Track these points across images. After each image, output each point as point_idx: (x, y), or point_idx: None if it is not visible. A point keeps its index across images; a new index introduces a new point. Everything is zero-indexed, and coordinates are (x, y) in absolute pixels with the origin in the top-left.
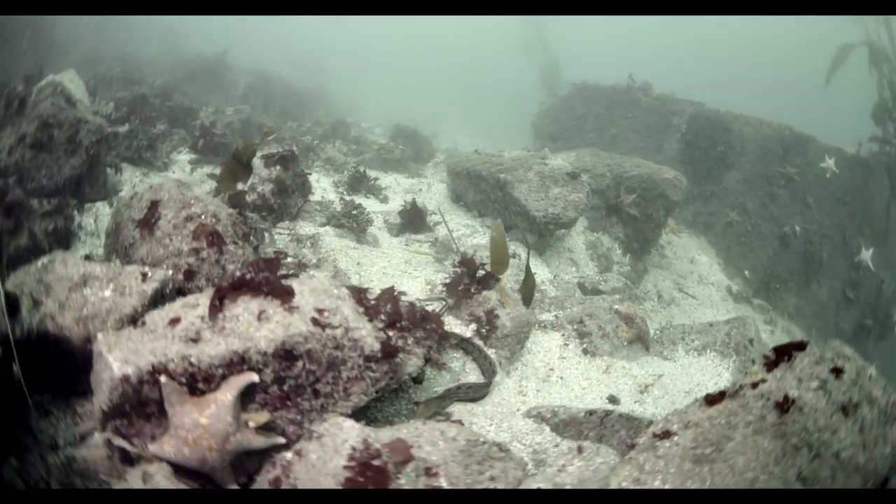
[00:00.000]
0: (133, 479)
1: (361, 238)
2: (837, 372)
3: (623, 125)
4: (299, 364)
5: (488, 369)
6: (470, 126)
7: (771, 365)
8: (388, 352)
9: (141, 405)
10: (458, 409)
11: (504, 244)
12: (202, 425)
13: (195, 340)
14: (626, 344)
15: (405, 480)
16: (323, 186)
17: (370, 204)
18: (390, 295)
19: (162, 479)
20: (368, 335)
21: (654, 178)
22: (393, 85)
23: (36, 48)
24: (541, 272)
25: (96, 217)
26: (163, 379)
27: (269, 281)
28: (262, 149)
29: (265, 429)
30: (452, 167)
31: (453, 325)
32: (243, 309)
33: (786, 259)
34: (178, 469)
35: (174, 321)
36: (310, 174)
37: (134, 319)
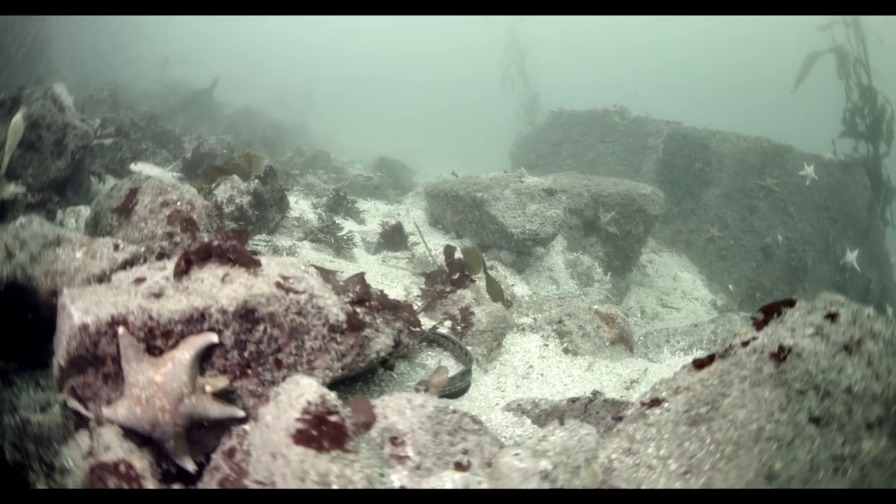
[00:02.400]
0: (81, 440)
1: (339, 252)
2: (832, 317)
3: (600, 149)
4: (261, 328)
5: (464, 357)
6: (450, 161)
7: (760, 324)
8: (354, 324)
9: (98, 361)
10: None
11: (476, 251)
12: (156, 383)
13: (157, 296)
14: (608, 344)
15: (365, 446)
16: (301, 207)
17: (348, 225)
18: (360, 278)
19: (111, 438)
20: (334, 305)
21: (632, 194)
22: (375, 121)
23: (29, 66)
24: (520, 289)
25: (77, 217)
26: (120, 330)
27: (236, 249)
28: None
29: (224, 398)
30: (430, 190)
31: (428, 325)
32: (209, 273)
33: (769, 269)
34: (131, 435)
35: (139, 280)
36: (288, 191)
37: (101, 280)
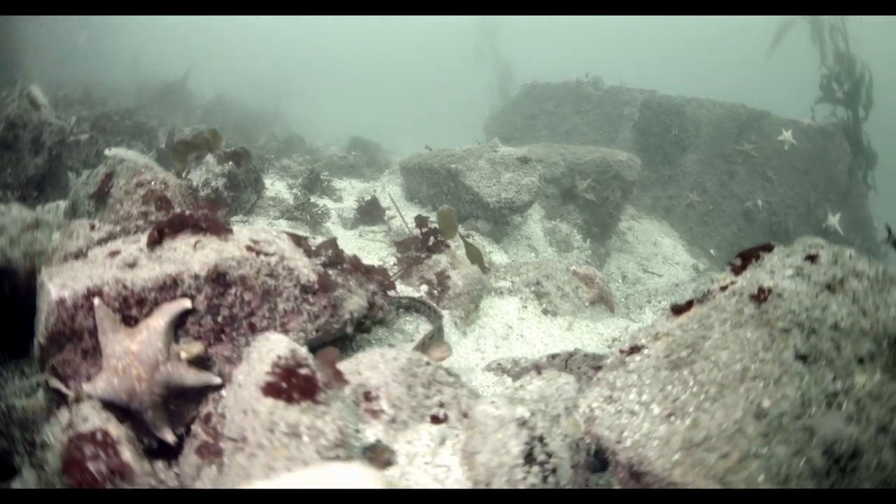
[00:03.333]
0: (62, 416)
1: (315, 229)
2: (812, 258)
3: (575, 120)
4: (233, 291)
5: (433, 314)
6: (425, 139)
7: (738, 269)
8: (326, 285)
9: (76, 336)
10: None
11: (451, 214)
12: (132, 352)
13: (131, 266)
14: (587, 304)
15: (338, 400)
16: (277, 188)
17: (324, 203)
18: (332, 243)
19: (88, 411)
20: (305, 266)
21: (608, 160)
22: (350, 105)
23: (2, 69)
24: (498, 258)
25: (56, 211)
26: (96, 301)
27: (207, 217)
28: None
29: (200, 365)
30: (405, 164)
31: (404, 292)
32: (181, 242)
33: (751, 233)
34: (110, 409)
35: (114, 253)
36: (264, 173)
37: (77, 258)
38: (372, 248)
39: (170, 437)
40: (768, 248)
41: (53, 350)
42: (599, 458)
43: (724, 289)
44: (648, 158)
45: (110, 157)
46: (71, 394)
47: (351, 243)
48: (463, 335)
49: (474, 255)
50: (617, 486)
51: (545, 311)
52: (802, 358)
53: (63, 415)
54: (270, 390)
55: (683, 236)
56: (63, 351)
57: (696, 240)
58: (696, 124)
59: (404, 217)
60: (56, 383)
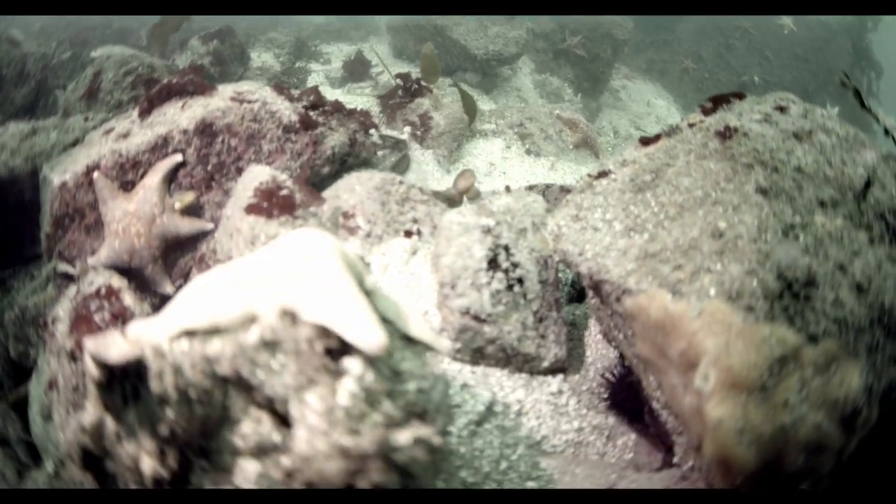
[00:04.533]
0: (70, 292)
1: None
2: (782, 109)
3: None
4: (220, 139)
5: (397, 143)
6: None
7: (708, 111)
8: (307, 123)
9: (79, 214)
10: None
11: (433, 57)
12: (130, 212)
13: (125, 136)
14: (571, 147)
15: (316, 220)
16: (264, 59)
17: (312, 66)
18: (314, 89)
19: (93, 276)
20: (286, 109)
21: (599, 19)
22: None
23: None
24: (487, 106)
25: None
26: (95, 174)
27: (193, 81)
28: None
29: (193, 213)
30: (391, 23)
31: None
32: (170, 107)
33: None
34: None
35: (108, 131)
36: (250, 48)
37: (75, 145)
38: (359, 102)
39: (169, 289)
40: (740, 96)
41: (58, 235)
42: (577, 289)
43: (692, 125)
44: (644, 22)
45: (97, 56)
46: (76, 271)
47: (339, 99)
48: (446, 172)
49: (469, 105)
50: (588, 310)
51: (528, 152)
52: (763, 192)
53: (71, 289)
54: (252, 209)
55: (678, 100)
56: (67, 233)
57: (690, 105)
58: None
59: (391, 71)
60: (63, 266)
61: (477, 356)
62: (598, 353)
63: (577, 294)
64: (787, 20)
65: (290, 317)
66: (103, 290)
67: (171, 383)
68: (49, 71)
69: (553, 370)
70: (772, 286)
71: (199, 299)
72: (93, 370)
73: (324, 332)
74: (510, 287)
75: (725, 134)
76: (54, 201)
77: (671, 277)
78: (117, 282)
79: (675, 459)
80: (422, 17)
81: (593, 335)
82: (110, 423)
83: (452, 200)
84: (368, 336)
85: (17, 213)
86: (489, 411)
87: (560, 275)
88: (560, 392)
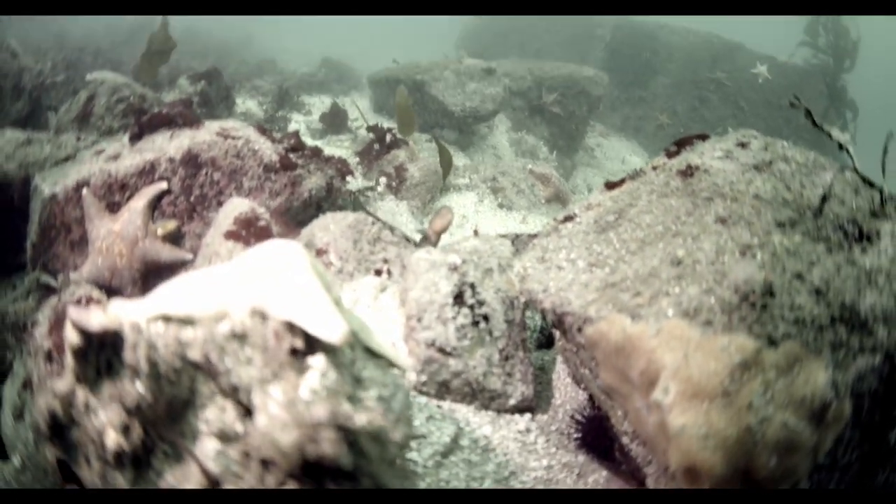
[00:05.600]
0: (51, 302)
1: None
2: (743, 145)
3: (546, 39)
4: (204, 172)
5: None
6: (400, 58)
7: (672, 154)
8: (287, 164)
9: (65, 228)
10: None
11: (408, 107)
12: (115, 231)
13: (115, 158)
14: (543, 202)
15: None
16: (248, 105)
17: (294, 116)
18: (294, 134)
19: (74, 288)
20: (268, 149)
21: (575, 76)
22: (321, 28)
23: None
24: (462, 163)
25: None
26: (84, 190)
27: (182, 113)
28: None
29: (174, 243)
30: (373, 77)
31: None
32: (159, 136)
33: None
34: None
35: (99, 151)
36: (236, 93)
37: (67, 161)
38: (338, 153)
39: None
40: (704, 137)
41: (44, 246)
42: (545, 335)
43: (655, 168)
44: (619, 79)
45: (91, 80)
46: (59, 284)
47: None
48: (420, 224)
49: (446, 159)
50: (557, 355)
51: (501, 206)
52: (722, 220)
53: (52, 299)
54: (231, 235)
55: (653, 156)
56: (53, 245)
57: None
58: (669, 50)
59: (369, 123)
60: (46, 278)
61: (443, 390)
62: (567, 395)
63: (546, 340)
64: (762, 69)
65: (260, 315)
66: (83, 300)
67: (143, 356)
68: (43, 90)
69: (520, 409)
70: (728, 300)
71: (178, 293)
72: (72, 336)
73: (291, 329)
74: (476, 323)
75: (687, 172)
76: (43, 211)
77: (630, 303)
78: (97, 294)
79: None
80: (401, 72)
81: (562, 378)
82: (81, 394)
83: (427, 240)
84: (330, 327)
85: (5, 218)
86: (455, 444)
87: (528, 321)
88: (528, 430)
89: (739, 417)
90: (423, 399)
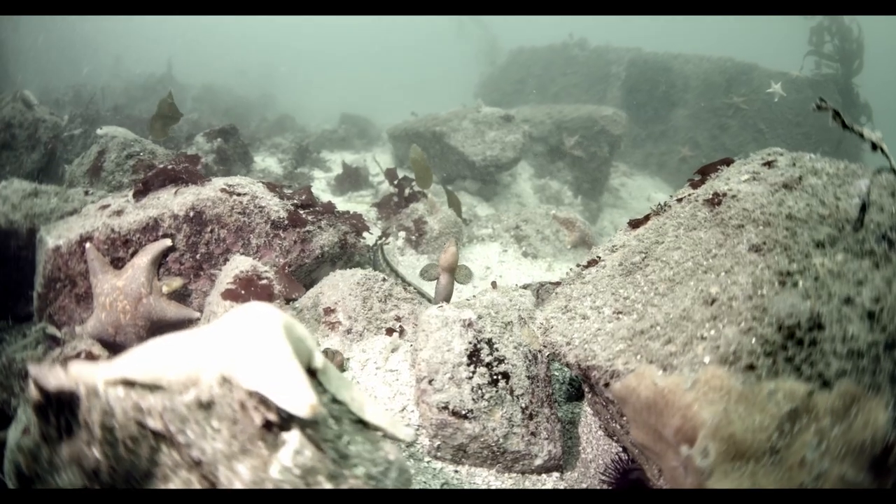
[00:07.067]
0: (55, 353)
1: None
2: (769, 164)
3: (563, 82)
4: (209, 229)
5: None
6: (415, 111)
7: (697, 184)
8: (296, 220)
9: (70, 281)
10: None
11: (423, 161)
12: (118, 287)
13: (119, 213)
14: (569, 248)
15: (293, 311)
16: (267, 163)
17: (315, 173)
18: (306, 189)
19: (78, 342)
20: (276, 205)
21: (593, 116)
22: (340, 85)
23: None
24: (485, 213)
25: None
26: (87, 245)
27: (187, 170)
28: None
29: (180, 300)
30: (392, 131)
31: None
32: (164, 192)
33: None
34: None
35: (104, 206)
36: (255, 151)
37: (72, 215)
38: (359, 209)
39: None
40: (728, 162)
41: (50, 297)
42: (575, 387)
43: (680, 200)
44: (638, 115)
45: (102, 134)
46: (64, 336)
47: (339, 206)
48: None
49: (454, 202)
50: (588, 408)
51: (525, 254)
52: (756, 249)
53: (56, 352)
54: (229, 295)
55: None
56: (59, 298)
57: None
58: (685, 79)
59: (387, 176)
60: (52, 329)
61: (459, 455)
62: (600, 448)
63: (577, 392)
64: (776, 87)
65: (229, 384)
66: (83, 355)
67: (97, 421)
68: (58, 142)
69: (547, 468)
70: (772, 339)
71: (147, 356)
72: (33, 393)
73: (262, 401)
74: (494, 381)
75: (714, 200)
76: (47, 263)
77: (661, 352)
78: (98, 350)
79: None
80: (420, 124)
81: (594, 431)
82: (45, 451)
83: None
84: (297, 398)
85: (13, 267)
86: None
87: (557, 373)
88: None
89: (791, 478)
90: (438, 465)
